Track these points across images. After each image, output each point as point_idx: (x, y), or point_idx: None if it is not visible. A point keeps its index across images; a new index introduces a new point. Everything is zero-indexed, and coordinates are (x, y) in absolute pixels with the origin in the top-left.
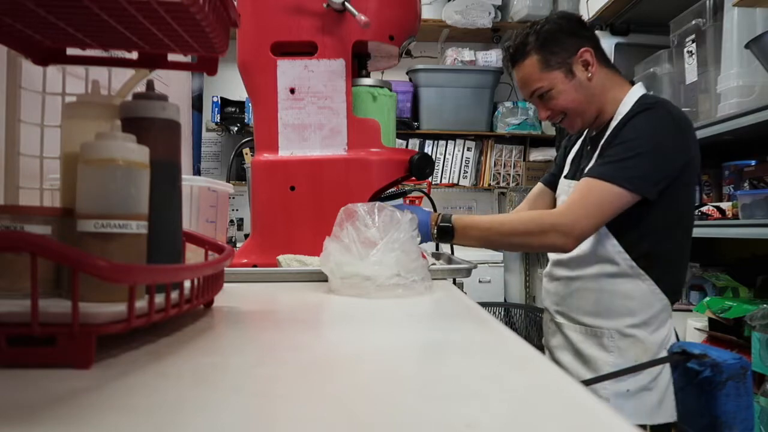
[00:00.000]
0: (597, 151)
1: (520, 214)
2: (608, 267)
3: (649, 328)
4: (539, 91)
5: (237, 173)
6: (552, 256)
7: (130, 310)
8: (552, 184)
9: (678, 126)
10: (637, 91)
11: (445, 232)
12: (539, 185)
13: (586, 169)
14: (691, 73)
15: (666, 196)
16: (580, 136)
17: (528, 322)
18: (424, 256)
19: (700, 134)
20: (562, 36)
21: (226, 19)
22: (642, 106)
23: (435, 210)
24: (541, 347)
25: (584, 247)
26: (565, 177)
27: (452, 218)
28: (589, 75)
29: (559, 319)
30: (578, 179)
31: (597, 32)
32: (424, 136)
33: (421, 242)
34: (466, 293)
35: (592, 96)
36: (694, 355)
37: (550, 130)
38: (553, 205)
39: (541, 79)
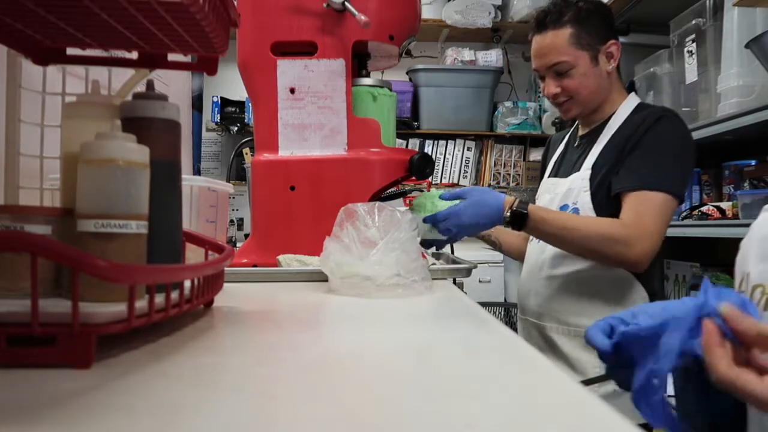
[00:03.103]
0: (595, 150)
1: (590, 220)
2: (593, 263)
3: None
4: (561, 65)
5: (237, 173)
6: (538, 256)
7: (130, 310)
8: None
9: (690, 134)
10: (634, 99)
11: (518, 220)
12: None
13: (582, 165)
14: (691, 73)
15: None
16: (562, 140)
17: None
18: (424, 256)
19: (700, 134)
20: (597, 20)
21: (226, 19)
22: (657, 113)
23: None
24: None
25: None
26: (549, 176)
27: (529, 207)
28: (609, 68)
29: (542, 321)
30: (561, 176)
31: None
32: (424, 136)
33: (487, 227)
34: (466, 293)
35: (602, 90)
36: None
37: (550, 130)
38: None
39: (567, 53)
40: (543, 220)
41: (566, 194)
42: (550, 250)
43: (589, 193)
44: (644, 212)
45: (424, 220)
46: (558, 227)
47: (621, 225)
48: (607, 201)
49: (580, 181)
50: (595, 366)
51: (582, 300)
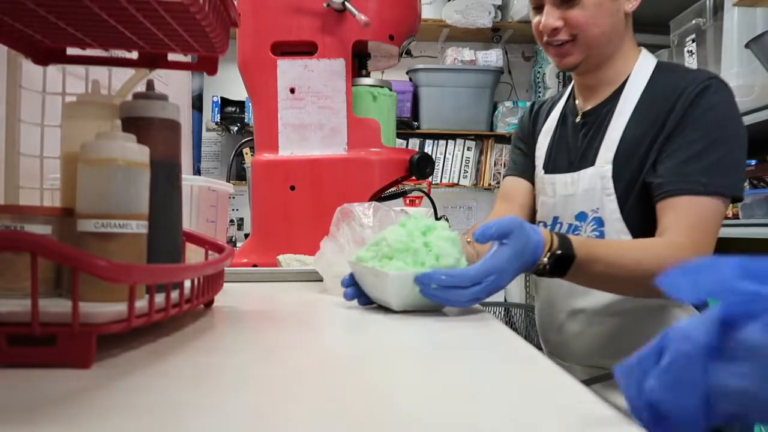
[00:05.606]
0: (613, 133)
1: (640, 250)
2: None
3: None
4: None
5: (237, 173)
6: (583, 289)
7: (130, 310)
8: (530, 175)
9: (737, 107)
10: (649, 56)
11: (560, 264)
12: (515, 180)
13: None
14: None
15: None
16: (547, 117)
17: (528, 322)
18: None
19: None
20: None
21: (226, 19)
22: (700, 79)
23: (435, 210)
24: (540, 347)
25: None
26: (547, 172)
27: (573, 246)
28: (629, 8)
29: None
30: (563, 172)
31: None
32: (424, 136)
33: (522, 271)
34: None
35: (615, 34)
36: None
37: None
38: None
39: None
40: (589, 261)
41: (582, 198)
42: None
43: (615, 198)
44: (701, 229)
45: (437, 283)
46: (605, 264)
47: (679, 249)
48: (639, 204)
49: (599, 181)
50: None
51: (616, 337)
